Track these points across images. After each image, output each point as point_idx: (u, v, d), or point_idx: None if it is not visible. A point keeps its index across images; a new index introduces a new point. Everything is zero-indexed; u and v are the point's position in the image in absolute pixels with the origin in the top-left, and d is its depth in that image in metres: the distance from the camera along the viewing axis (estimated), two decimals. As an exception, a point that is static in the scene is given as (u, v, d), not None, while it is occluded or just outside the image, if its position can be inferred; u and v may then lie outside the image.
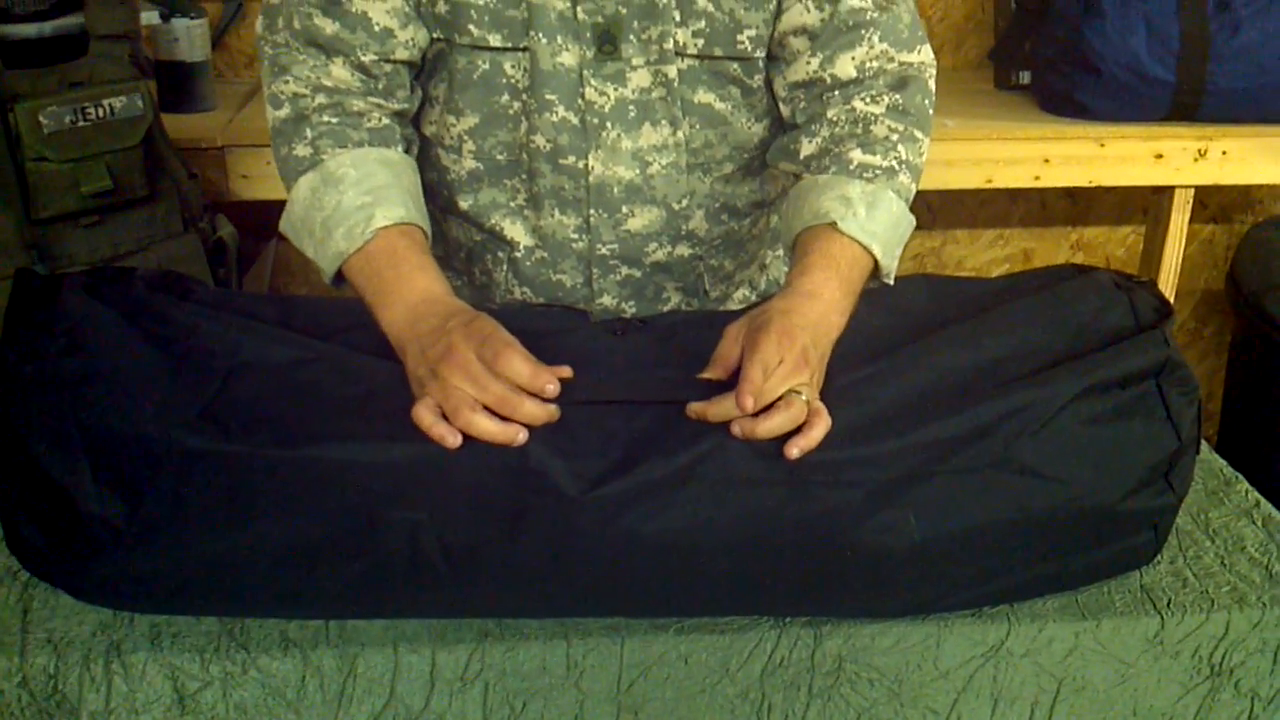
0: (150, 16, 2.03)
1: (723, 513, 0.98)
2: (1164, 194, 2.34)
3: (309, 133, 1.20)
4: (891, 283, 1.19)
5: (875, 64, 1.24)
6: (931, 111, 1.27)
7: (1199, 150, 2.23)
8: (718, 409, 1.00)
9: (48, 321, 1.06)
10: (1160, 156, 2.24)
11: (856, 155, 1.20)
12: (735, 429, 0.99)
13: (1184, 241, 2.38)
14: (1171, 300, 1.71)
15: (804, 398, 1.01)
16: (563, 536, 0.97)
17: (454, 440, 0.98)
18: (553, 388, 1.00)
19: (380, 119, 1.23)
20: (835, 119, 1.24)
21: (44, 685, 0.98)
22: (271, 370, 1.05)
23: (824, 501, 0.98)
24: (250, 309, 1.14)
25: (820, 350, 1.06)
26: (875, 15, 1.23)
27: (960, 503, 1.01)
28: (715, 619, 1.03)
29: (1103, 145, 2.22)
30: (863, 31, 1.23)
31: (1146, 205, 2.55)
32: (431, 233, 1.37)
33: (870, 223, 1.16)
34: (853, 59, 1.23)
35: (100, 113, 1.65)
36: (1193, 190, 2.32)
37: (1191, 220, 2.38)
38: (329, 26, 1.21)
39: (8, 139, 1.59)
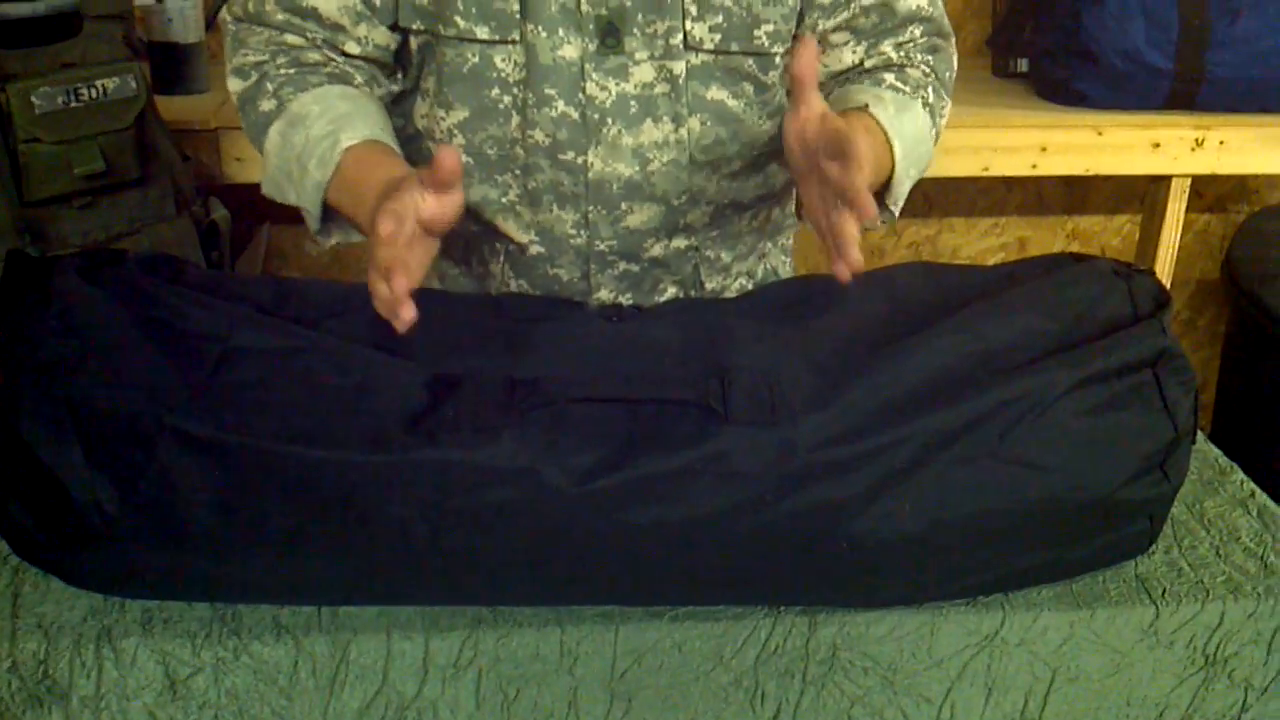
0: (144, -3, 2.02)
1: (719, 506, 0.97)
2: (1161, 183, 2.34)
3: (269, 86, 1.21)
4: (895, 212, 1.21)
5: (910, 44, 1.29)
6: (952, 86, 1.33)
7: (1196, 139, 2.23)
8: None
9: (40, 304, 1.05)
10: (1158, 145, 2.23)
11: (889, 78, 1.25)
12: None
13: (1180, 231, 2.38)
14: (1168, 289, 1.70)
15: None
16: (556, 531, 0.97)
17: (404, 317, 0.96)
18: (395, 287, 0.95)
19: (339, 66, 1.24)
20: (873, 66, 1.29)
21: (34, 670, 0.97)
22: (264, 356, 1.04)
23: (821, 493, 0.98)
24: (243, 292, 1.13)
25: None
26: (927, 11, 1.29)
27: (956, 492, 1.01)
28: (709, 607, 1.03)
29: (1100, 134, 2.21)
30: (910, 26, 1.29)
31: (1143, 194, 2.54)
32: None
33: (898, 122, 1.18)
34: (894, 43, 1.29)
35: (93, 94, 1.64)
36: (1189, 179, 2.31)
37: (1188, 210, 2.38)
38: (278, 14, 1.23)
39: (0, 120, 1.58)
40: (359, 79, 1.25)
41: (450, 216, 0.98)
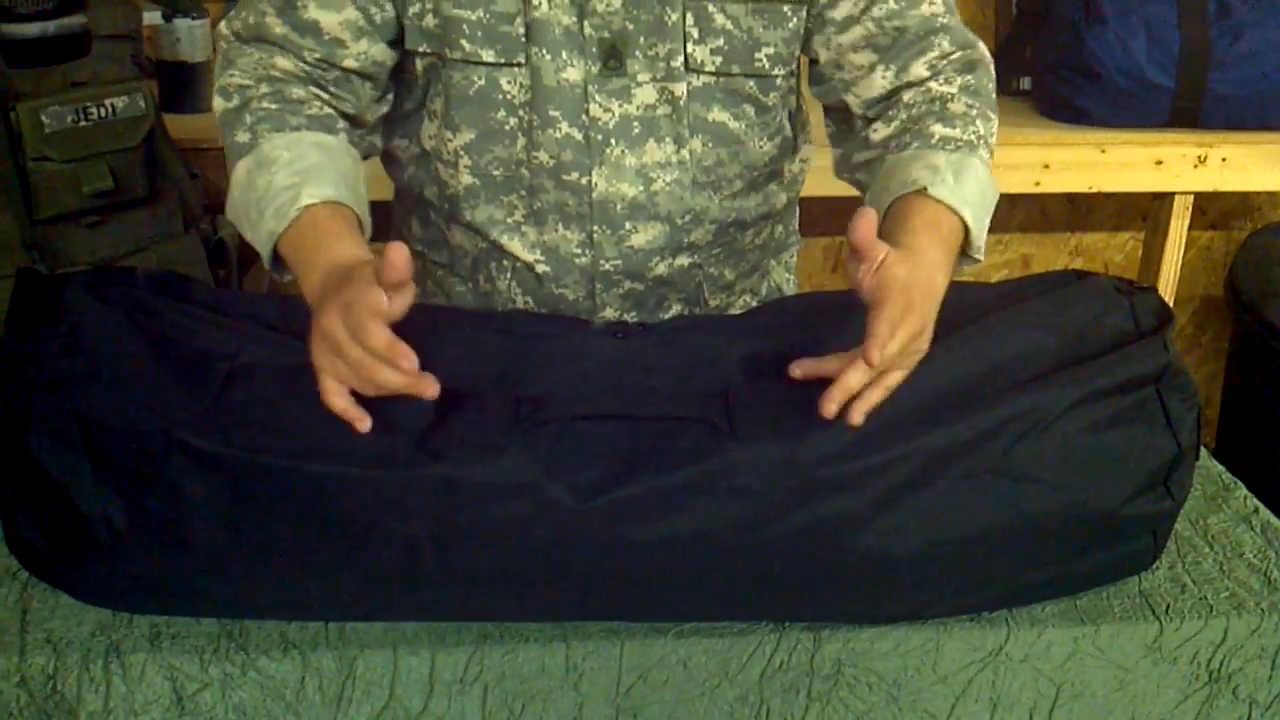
0: (152, 16, 2.03)
1: (723, 522, 0.98)
2: (1163, 200, 2.35)
3: (248, 119, 1.20)
4: (981, 258, 1.18)
5: (943, 61, 1.25)
6: (995, 97, 1.27)
7: (1199, 157, 2.24)
8: (846, 378, 0.97)
9: (49, 321, 1.06)
10: (1160, 163, 2.24)
11: (938, 129, 1.20)
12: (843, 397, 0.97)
13: (1183, 248, 2.39)
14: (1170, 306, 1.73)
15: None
16: (561, 546, 0.98)
17: (363, 425, 0.97)
18: (407, 363, 0.94)
19: (321, 108, 1.23)
20: (911, 101, 1.24)
21: (42, 685, 0.97)
22: (271, 374, 1.05)
23: (825, 509, 0.98)
24: (251, 309, 1.14)
25: (927, 309, 1.03)
26: (946, 20, 1.25)
27: (960, 508, 1.01)
28: (714, 623, 1.03)
29: (1103, 151, 2.22)
30: (933, 37, 1.24)
31: (1146, 211, 2.55)
32: (436, 240, 1.38)
33: (960, 189, 1.14)
34: (925, 62, 1.24)
35: (102, 112, 1.65)
36: (1192, 196, 2.32)
37: (1191, 226, 2.38)
38: (278, 27, 1.22)
39: (9, 138, 1.59)
40: (340, 124, 1.23)
41: (403, 309, 0.98)
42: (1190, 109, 2.21)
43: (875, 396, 0.99)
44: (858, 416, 0.98)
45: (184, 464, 0.98)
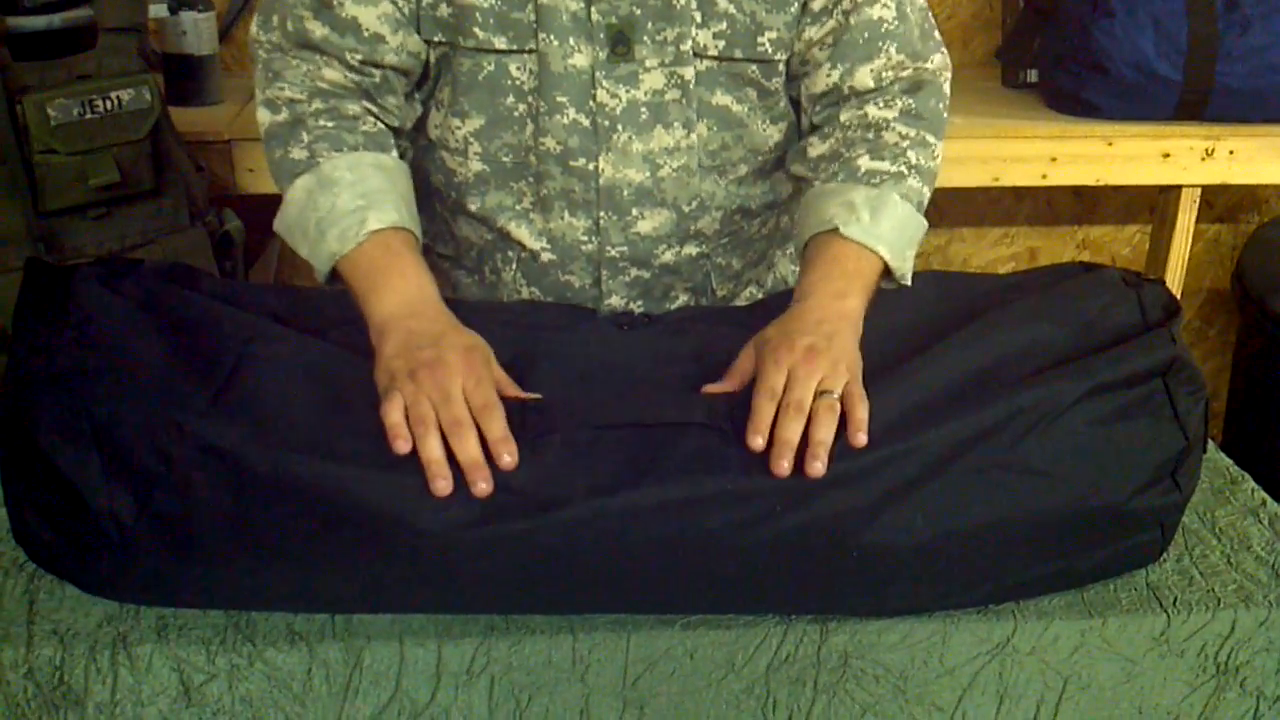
0: (158, 9, 2.03)
1: (729, 520, 0.97)
2: (1171, 193, 2.34)
3: (305, 136, 1.20)
4: (909, 284, 1.20)
5: (891, 73, 1.26)
6: (945, 115, 1.28)
7: (1206, 150, 2.23)
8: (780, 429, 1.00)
9: (57, 313, 1.06)
10: (1167, 156, 2.23)
11: (864, 162, 1.21)
12: (780, 467, 0.98)
13: (1190, 241, 2.38)
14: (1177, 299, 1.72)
15: (834, 394, 1.02)
16: (568, 549, 0.97)
17: (404, 447, 0.98)
18: (510, 460, 0.98)
19: (375, 123, 1.24)
20: (848, 123, 1.25)
21: (50, 677, 0.98)
22: (279, 366, 1.05)
23: (832, 503, 0.98)
24: (258, 302, 1.14)
25: (833, 338, 1.07)
26: (894, 26, 1.25)
27: (967, 502, 1.01)
28: (721, 615, 1.03)
29: (1110, 144, 2.22)
30: (880, 43, 1.25)
31: (1153, 204, 2.54)
32: (441, 232, 1.38)
33: (874, 226, 1.17)
34: (871, 70, 1.25)
35: (108, 105, 1.65)
36: (1199, 190, 2.31)
37: (1198, 220, 2.38)
38: (318, 29, 1.22)
39: (16, 131, 1.59)
40: (392, 140, 1.24)
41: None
42: (1198, 102, 2.20)
43: (824, 433, 1.00)
44: (820, 467, 0.98)
45: (192, 457, 0.98)
